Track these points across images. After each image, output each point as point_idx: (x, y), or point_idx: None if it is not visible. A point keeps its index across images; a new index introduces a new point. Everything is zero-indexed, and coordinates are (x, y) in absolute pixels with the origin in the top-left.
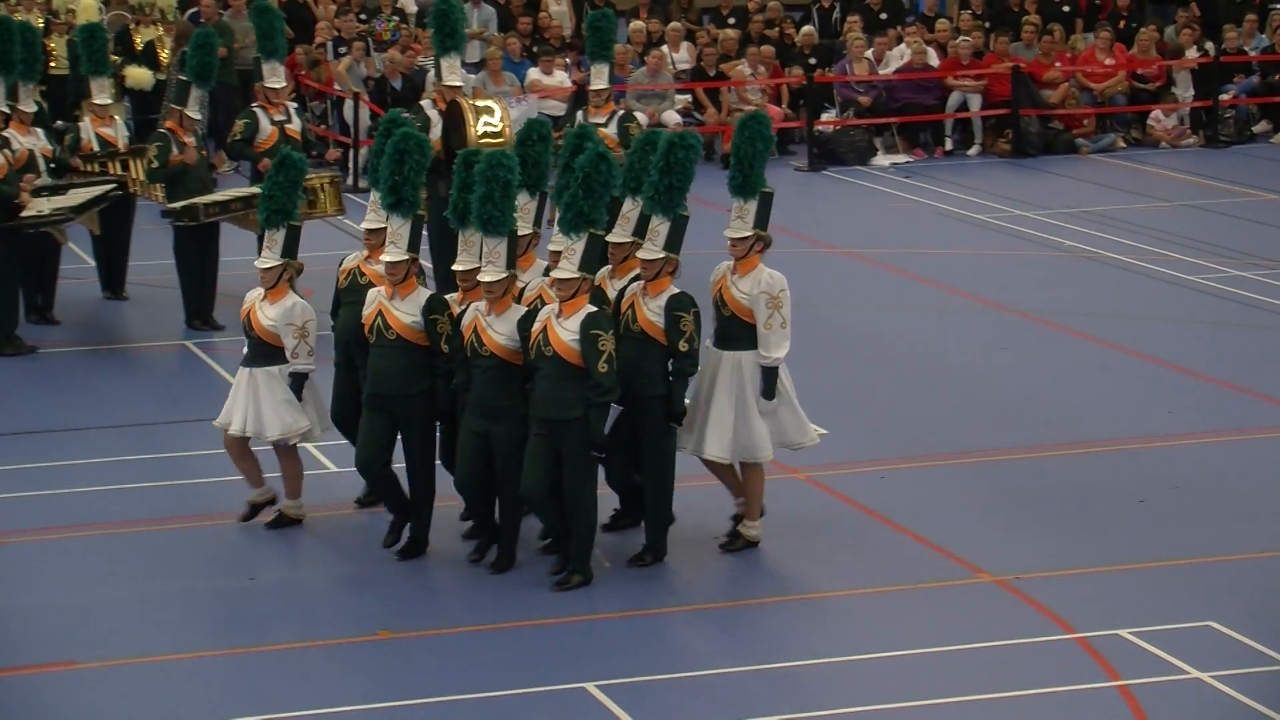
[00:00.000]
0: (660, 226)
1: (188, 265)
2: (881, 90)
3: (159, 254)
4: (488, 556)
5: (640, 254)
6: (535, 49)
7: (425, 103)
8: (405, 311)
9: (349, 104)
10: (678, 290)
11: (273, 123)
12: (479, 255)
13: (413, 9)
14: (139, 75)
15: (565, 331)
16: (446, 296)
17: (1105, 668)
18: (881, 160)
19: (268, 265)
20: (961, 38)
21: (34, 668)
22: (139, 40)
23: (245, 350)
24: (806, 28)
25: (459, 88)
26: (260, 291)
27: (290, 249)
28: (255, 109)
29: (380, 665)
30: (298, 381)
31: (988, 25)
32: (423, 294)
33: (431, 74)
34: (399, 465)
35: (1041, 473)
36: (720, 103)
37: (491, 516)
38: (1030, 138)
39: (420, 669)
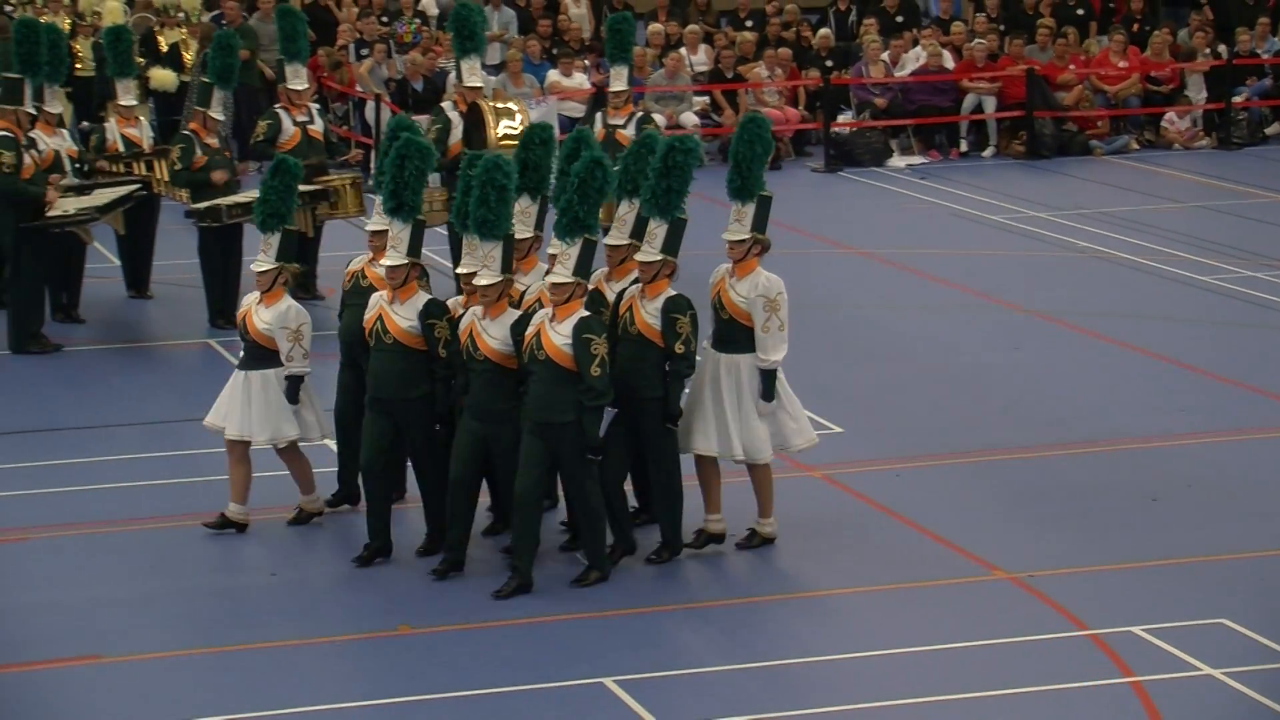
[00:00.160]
0: (658, 229)
1: (211, 265)
2: (897, 92)
3: (183, 254)
4: (437, 558)
5: (638, 256)
6: (555, 51)
7: (446, 105)
8: (403, 316)
9: (370, 105)
10: (675, 293)
11: (295, 124)
12: (481, 259)
13: (434, 11)
14: (163, 77)
15: (558, 336)
16: (450, 300)
17: (1118, 664)
18: (897, 161)
19: (263, 269)
20: (976, 40)
21: (42, 663)
22: (164, 42)
23: (241, 353)
24: (823, 30)
25: (479, 89)
26: (256, 295)
27: (285, 253)
28: (278, 110)
29: (396, 661)
30: (293, 385)
31: (1002, 28)
32: (421, 298)
33: (452, 76)
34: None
35: (1055, 471)
36: (738, 105)
37: (462, 517)
38: (1044, 139)
39: (439, 664)
